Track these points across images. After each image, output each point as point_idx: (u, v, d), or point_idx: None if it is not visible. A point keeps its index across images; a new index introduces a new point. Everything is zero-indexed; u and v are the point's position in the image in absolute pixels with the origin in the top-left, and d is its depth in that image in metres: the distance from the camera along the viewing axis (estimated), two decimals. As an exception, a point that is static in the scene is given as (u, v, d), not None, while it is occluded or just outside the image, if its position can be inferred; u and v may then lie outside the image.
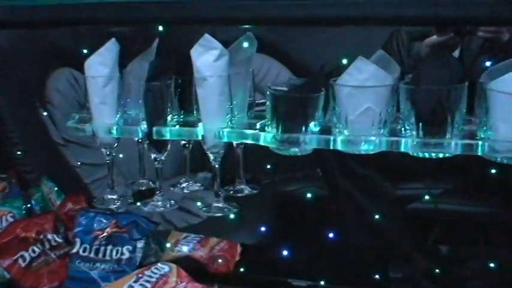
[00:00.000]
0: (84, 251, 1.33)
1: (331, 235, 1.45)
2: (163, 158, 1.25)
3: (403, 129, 1.06)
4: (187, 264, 1.29)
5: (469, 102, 1.05)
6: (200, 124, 1.17)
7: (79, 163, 1.71)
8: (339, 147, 1.08)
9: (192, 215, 1.63)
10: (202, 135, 1.17)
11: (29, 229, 1.34)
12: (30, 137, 1.68)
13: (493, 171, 1.28)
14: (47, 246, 1.34)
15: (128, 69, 1.29)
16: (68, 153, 1.72)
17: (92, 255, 1.32)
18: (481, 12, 0.99)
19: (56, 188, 1.52)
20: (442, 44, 1.64)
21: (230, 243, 1.37)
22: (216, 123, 1.15)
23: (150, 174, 1.40)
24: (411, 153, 1.05)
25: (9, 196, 1.52)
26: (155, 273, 1.23)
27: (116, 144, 1.30)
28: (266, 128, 1.12)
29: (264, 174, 1.59)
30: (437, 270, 1.35)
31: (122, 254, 1.32)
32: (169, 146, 1.24)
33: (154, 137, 1.19)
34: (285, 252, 1.38)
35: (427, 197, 1.55)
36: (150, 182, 1.39)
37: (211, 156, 1.19)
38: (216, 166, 1.20)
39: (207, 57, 1.12)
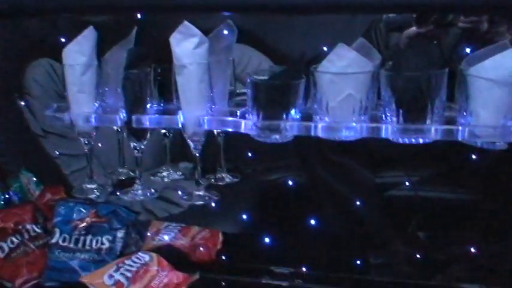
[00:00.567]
0: (63, 241, 1.32)
1: (312, 222, 1.46)
2: (142, 146, 1.24)
3: (383, 115, 1.06)
4: (169, 253, 1.28)
5: (450, 89, 1.06)
6: (180, 112, 1.16)
7: (58, 154, 1.69)
8: (320, 134, 1.08)
9: (174, 205, 1.62)
10: (182, 123, 1.16)
11: (8, 220, 1.32)
12: (9, 128, 1.66)
13: (473, 157, 1.29)
14: (26, 236, 1.32)
15: (107, 57, 1.27)
16: (47, 144, 1.70)
17: (71, 245, 1.31)
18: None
19: (34, 179, 1.51)
20: (422, 35, 1.64)
21: (212, 232, 1.36)
22: (196, 111, 1.15)
23: (131, 163, 1.39)
24: (392, 139, 1.06)
25: (-13, 187, 1.50)
26: (136, 263, 1.22)
27: (94, 133, 1.28)
28: (247, 115, 1.12)
29: (246, 163, 1.59)
30: (417, 256, 1.36)
31: (102, 243, 1.31)
32: (148, 134, 1.23)
33: (134, 125, 1.18)
34: (267, 240, 1.38)
35: (406, 184, 1.55)
36: (130, 172, 1.38)
37: (192, 145, 1.18)
38: (197, 155, 1.19)
39: (186, 45, 1.12)
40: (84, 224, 1.33)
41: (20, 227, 1.33)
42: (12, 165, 1.59)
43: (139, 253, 1.26)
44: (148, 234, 1.35)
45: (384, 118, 1.06)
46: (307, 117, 1.10)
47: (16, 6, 1.23)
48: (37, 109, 1.68)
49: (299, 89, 1.08)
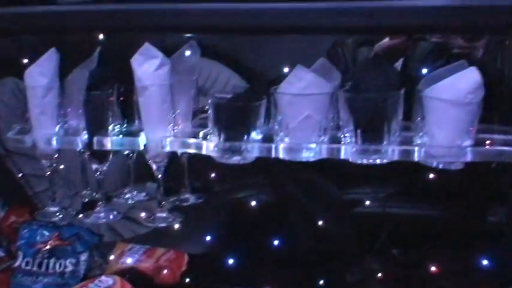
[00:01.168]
0: (26, 265, 1.31)
1: (279, 242, 1.46)
2: (104, 168, 1.24)
3: (342, 136, 1.07)
4: (132, 276, 1.28)
5: (411, 109, 1.07)
6: (142, 133, 1.16)
7: (22, 174, 1.67)
8: (281, 155, 1.08)
9: (140, 225, 1.61)
10: (144, 145, 1.16)
11: (-30, 243, 1.32)
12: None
13: (432, 175, 1.31)
14: (-11, 260, 1.31)
15: (69, 78, 1.27)
16: (11, 165, 1.68)
17: (34, 268, 1.30)
18: (419, 21, 1.01)
19: (-2, 200, 1.49)
20: (395, 47, 1.66)
21: (177, 253, 1.36)
22: (158, 133, 1.14)
23: (95, 185, 1.38)
24: (350, 160, 1.07)
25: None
26: (99, 286, 1.21)
27: (56, 156, 1.27)
28: (208, 136, 1.12)
29: (213, 182, 1.59)
30: (387, 273, 1.37)
31: (65, 267, 1.30)
32: (110, 156, 1.23)
33: (95, 147, 1.17)
34: (232, 261, 1.37)
35: (373, 201, 1.57)
36: (94, 193, 1.37)
37: (154, 166, 1.18)
38: (159, 176, 1.19)
39: (147, 66, 1.12)
40: (47, 247, 1.32)
41: (-17, 250, 1.32)
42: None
43: (103, 276, 1.25)
44: (112, 257, 1.34)
45: (343, 139, 1.07)
46: (268, 138, 1.11)
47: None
48: (2, 129, 1.66)
49: (260, 110, 1.09)
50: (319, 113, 1.05)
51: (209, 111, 1.09)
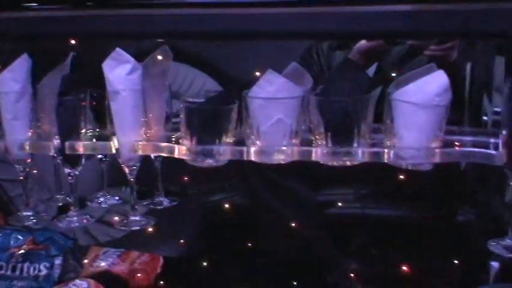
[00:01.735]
0: (0, 269, 1.31)
1: (253, 244, 1.47)
2: (77, 173, 1.24)
3: (314, 139, 1.09)
4: (107, 279, 1.28)
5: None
6: (114, 138, 1.16)
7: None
8: (252, 157, 1.09)
9: (116, 229, 1.61)
10: (116, 149, 1.16)
11: None
12: None
13: (402, 176, 1.33)
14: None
15: (42, 83, 1.26)
16: (-15, 169, 1.68)
17: (8, 272, 1.30)
18: (390, 26, 1.03)
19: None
20: (373, 49, 1.67)
21: (152, 256, 1.36)
22: (130, 137, 1.14)
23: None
24: (321, 162, 1.08)
25: None
26: (73, 290, 1.21)
27: (29, 160, 1.27)
28: (181, 140, 1.12)
29: (188, 186, 1.59)
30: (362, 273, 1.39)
31: (40, 270, 1.30)
32: (83, 160, 1.23)
33: (67, 152, 1.17)
34: (207, 263, 1.38)
35: (347, 202, 1.58)
36: (67, 198, 1.37)
37: (127, 170, 1.18)
38: (132, 179, 1.20)
39: (119, 71, 1.12)
40: (21, 251, 1.31)
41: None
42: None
43: (77, 280, 1.25)
44: (87, 260, 1.34)
45: (314, 141, 1.08)
46: (240, 141, 1.12)
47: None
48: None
49: (232, 114, 1.10)
50: (290, 116, 1.07)
51: (181, 115, 1.10)
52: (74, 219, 1.26)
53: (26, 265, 1.31)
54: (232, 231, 1.48)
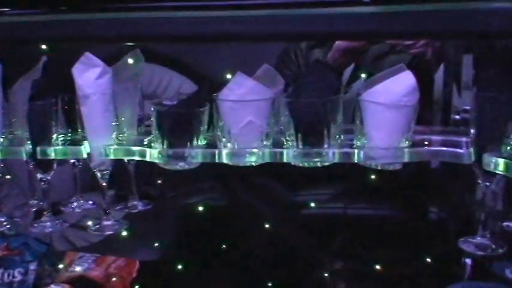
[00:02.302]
0: (-26, 276, 1.29)
1: (230, 247, 1.47)
2: (49, 177, 1.23)
3: (284, 140, 1.09)
4: (82, 284, 1.28)
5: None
6: (85, 142, 1.16)
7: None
8: (224, 160, 1.10)
9: (93, 234, 1.60)
10: (88, 153, 1.16)
11: None
12: None
13: (374, 176, 1.34)
14: None
15: (14, 88, 1.26)
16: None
17: (-18, 279, 1.29)
18: (357, 27, 1.03)
19: None
20: (354, 49, 1.68)
21: (127, 261, 1.36)
22: (101, 141, 1.14)
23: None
24: (293, 163, 1.09)
25: None
26: (48, 296, 1.21)
27: (2, 165, 1.26)
28: (152, 143, 1.12)
29: (164, 188, 1.59)
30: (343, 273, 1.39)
31: (14, 276, 1.29)
32: (55, 165, 1.23)
33: (39, 157, 1.17)
34: (183, 266, 1.38)
35: (323, 202, 1.59)
36: (41, 203, 1.36)
37: (99, 174, 1.18)
38: (104, 184, 1.19)
39: (88, 75, 1.12)
40: (-5, 257, 1.31)
41: None
42: None
43: (52, 285, 1.25)
44: (62, 265, 1.34)
45: (285, 143, 1.09)
46: (212, 143, 1.12)
47: None
48: None
49: (203, 117, 1.10)
50: (260, 118, 1.07)
51: (152, 119, 1.10)
52: (47, 225, 1.26)
53: (0, 271, 1.30)
54: (209, 234, 1.48)
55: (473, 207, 1.17)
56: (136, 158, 1.14)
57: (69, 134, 1.23)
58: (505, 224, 1.20)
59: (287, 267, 1.42)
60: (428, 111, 1.37)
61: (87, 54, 1.13)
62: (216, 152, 1.10)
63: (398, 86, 1.02)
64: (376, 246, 1.34)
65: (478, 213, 1.11)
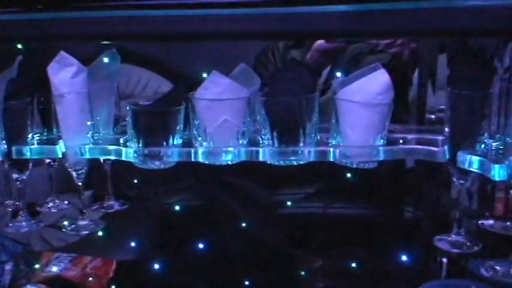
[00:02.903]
0: (-51, 278, 1.28)
1: (208, 246, 1.47)
2: (24, 177, 1.22)
3: (260, 139, 1.09)
4: (59, 285, 1.27)
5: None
6: (61, 141, 1.16)
7: None
8: (200, 159, 1.10)
9: (70, 234, 1.59)
10: (63, 153, 1.15)
11: None
12: None
13: (350, 174, 1.35)
14: None
15: (-11, 89, 1.25)
16: None
17: (-43, 281, 1.27)
18: (330, 26, 1.03)
19: None
20: (332, 49, 1.68)
21: (104, 261, 1.35)
22: (77, 140, 1.13)
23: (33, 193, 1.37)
24: (269, 162, 1.09)
25: None
26: (24, 296, 1.20)
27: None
28: (128, 143, 1.12)
29: (142, 188, 1.58)
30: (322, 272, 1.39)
31: (-11, 277, 1.28)
32: (30, 165, 1.22)
33: (14, 156, 1.16)
34: (161, 266, 1.38)
35: (301, 201, 1.59)
36: (17, 203, 1.35)
37: (74, 174, 1.18)
38: (79, 184, 1.19)
39: (64, 74, 1.11)
40: (-30, 259, 1.29)
41: None
42: None
43: (28, 286, 1.24)
44: (38, 265, 1.33)
45: (261, 141, 1.09)
46: (188, 143, 1.12)
47: None
48: None
49: (178, 116, 1.10)
50: (236, 117, 1.07)
51: (127, 118, 1.10)
52: (22, 225, 1.25)
53: (-25, 272, 1.29)
54: (187, 233, 1.47)
55: (449, 205, 1.18)
56: (112, 157, 1.14)
57: (45, 134, 1.22)
58: (480, 222, 1.21)
59: (264, 267, 1.43)
60: (403, 110, 1.37)
61: (62, 53, 1.12)
62: (192, 151, 1.09)
63: (373, 84, 1.02)
64: (352, 245, 1.34)
65: (453, 212, 1.12)
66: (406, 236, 1.30)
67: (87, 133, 1.14)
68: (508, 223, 1.13)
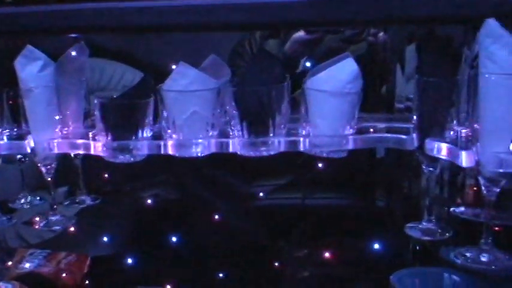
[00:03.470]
0: None
1: (184, 240, 1.46)
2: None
3: (230, 130, 1.09)
4: (33, 281, 1.26)
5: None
6: (30, 136, 1.14)
7: None
8: (170, 151, 1.09)
9: (46, 230, 1.58)
10: (32, 148, 1.14)
11: None
12: None
13: (321, 164, 1.35)
14: None
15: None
16: None
17: None
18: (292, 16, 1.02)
19: None
20: (311, 40, 1.68)
21: (79, 256, 1.34)
22: (45, 135, 1.13)
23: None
24: (239, 153, 1.08)
25: None
26: (-3, 293, 1.19)
27: None
28: (97, 137, 1.11)
29: (115, 183, 1.57)
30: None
31: (-38, 276, 1.27)
32: (0, 161, 1.21)
33: (-17, 152, 1.16)
34: (136, 261, 1.37)
35: (274, 192, 1.59)
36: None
37: (44, 169, 1.17)
38: (49, 179, 1.18)
39: (31, 68, 1.11)
40: None
41: None
42: None
43: (1, 283, 1.22)
44: (11, 262, 1.32)
45: (231, 133, 1.08)
46: (158, 135, 1.11)
47: None
48: None
49: (147, 108, 1.09)
50: (205, 108, 1.06)
51: (96, 111, 1.09)
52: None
53: None
54: (161, 227, 1.47)
55: (420, 193, 1.18)
56: (81, 151, 1.13)
57: (15, 129, 1.21)
58: (451, 209, 1.21)
59: (240, 258, 1.42)
60: (373, 99, 1.37)
61: (29, 47, 1.11)
62: (162, 143, 1.09)
63: (342, 73, 1.02)
64: (324, 234, 1.34)
65: (424, 199, 1.13)
66: (377, 224, 1.30)
67: (56, 127, 1.13)
68: (479, 210, 1.14)
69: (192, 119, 1.06)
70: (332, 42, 1.69)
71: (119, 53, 1.82)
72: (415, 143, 1.04)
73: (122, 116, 1.08)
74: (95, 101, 1.08)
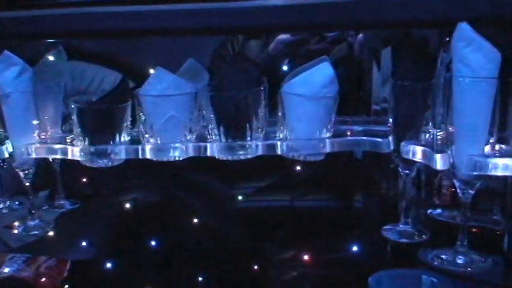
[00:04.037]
0: None
1: (164, 243, 1.46)
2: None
3: (208, 134, 1.09)
4: (12, 285, 1.25)
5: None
6: (8, 141, 1.14)
7: None
8: (148, 155, 1.09)
9: (28, 234, 1.58)
10: (10, 153, 1.14)
11: None
12: None
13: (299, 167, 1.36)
14: None
15: None
16: None
17: None
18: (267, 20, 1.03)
19: None
20: (295, 41, 1.68)
21: (58, 261, 1.34)
22: (23, 140, 1.13)
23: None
24: (217, 157, 1.09)
25: None
26: (-26, 299, 1.18)
27: None
28: (74, 141, 1.11)
29: (94, 187, 1.57)
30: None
31: None
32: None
33: (-39, 157, 1.15)
34: (114, 265, 1.37)
35: (253, 195, 1.59)
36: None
37: (22, 174, 1.17)
38: (27, 184, 1.18)
39: (8, 74, 1.11)
40: None
41: None
42: None
43: (-21, 289, 1.22)
44: (-11, 267, 1.31)
45: (209, 136, 1.09)
46: (136, 139, 1.11)
47: None
48: None
49: (124, 112, 1.09)
50: (183, 113, 1.07)
51: (73, 116, 1.09)
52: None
53: None
54: (142, 231, 1.46)
55: (397, 195, 1.19)
56: (59, 156, 1.13)
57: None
58: (428, 211, 1.22)
59: (221, 261, 1.42)
60: (350, 102, 1.38)
61: (6, 52, 1.11)
62: (139, 147, 1.09)
63: (317, 77, 1.03)
64: (302, 237, 1.35)
65: (400, 202, 1.14)
66: (355, 227, 1.31)
67: (34, 132, 1.13)
68: (455, 212, 1.15)
69: (170, 123, 1.07)
70: (317, 44, 1.69)
71: (99, 57, 1.81)
72: (391, 146, 1.05)
73: (99, 120, 1.08)
74: (72, 106, 1.08)
